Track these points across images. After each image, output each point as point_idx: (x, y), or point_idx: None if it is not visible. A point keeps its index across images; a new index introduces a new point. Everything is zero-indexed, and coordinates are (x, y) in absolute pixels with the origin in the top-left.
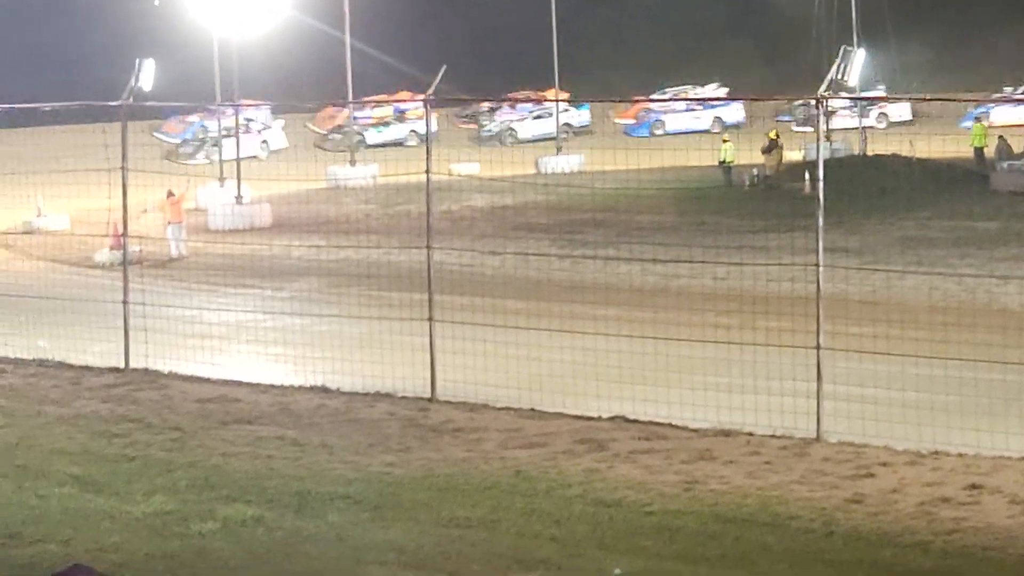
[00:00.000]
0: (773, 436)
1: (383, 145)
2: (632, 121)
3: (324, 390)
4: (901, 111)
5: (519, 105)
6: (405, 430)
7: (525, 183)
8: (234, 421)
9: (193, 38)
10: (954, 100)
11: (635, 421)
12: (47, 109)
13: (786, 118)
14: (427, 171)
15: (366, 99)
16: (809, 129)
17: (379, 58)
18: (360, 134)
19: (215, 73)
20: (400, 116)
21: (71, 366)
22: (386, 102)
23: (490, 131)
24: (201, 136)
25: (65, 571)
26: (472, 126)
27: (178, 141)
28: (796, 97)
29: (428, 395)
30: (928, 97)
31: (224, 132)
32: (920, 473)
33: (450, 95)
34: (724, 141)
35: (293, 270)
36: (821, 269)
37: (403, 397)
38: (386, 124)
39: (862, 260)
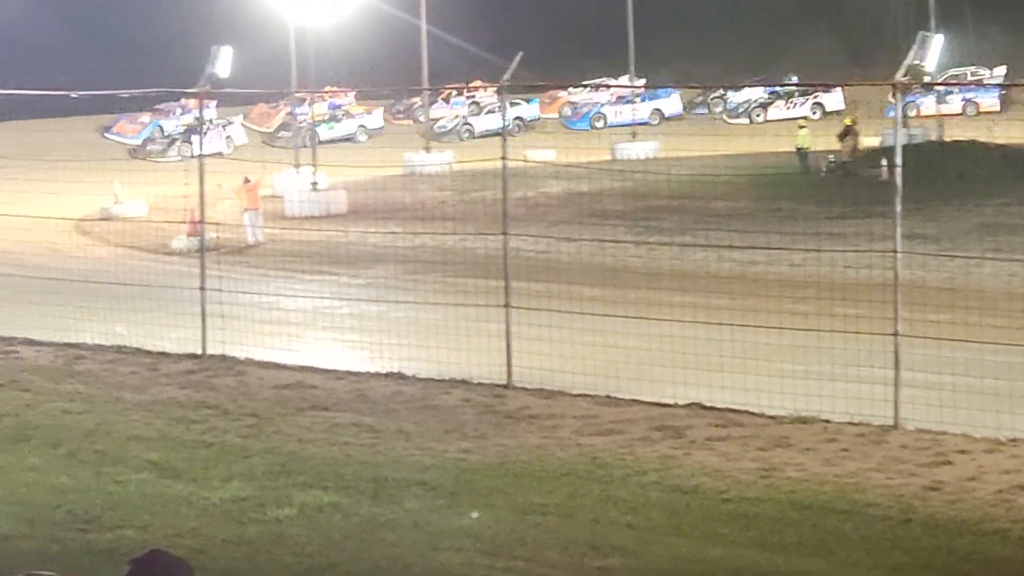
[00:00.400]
0: (850, 423)
1: (332, 141)
2: (570, 113)
3: (400, 377)
4: (991, 101)
5: (609, 91)
6: (481, 417)
7: (601, 169)
8: (310, 407)
9: (270, 24)
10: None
11: (711, 408)
12: (124, 96)
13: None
14: (503, 158)
15: (446, 86)
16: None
17: (454, 44)
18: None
19: (291, 60)
20: (343, 112)
21: (149, 352)
22: (461, 89)
23: (443, 127)
24: (162, 135)
25: (142, 556)
26: (407, 122)
27: (138, 142)
28: (874, 83)
29: (504, 382)
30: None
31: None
32: (998, 460)
33: (527, 81)
34: (800, 127)
35: (369, 257)
36: (899, 256)
37: (479, 384)
38: (337, 120)
39: (940, 247)
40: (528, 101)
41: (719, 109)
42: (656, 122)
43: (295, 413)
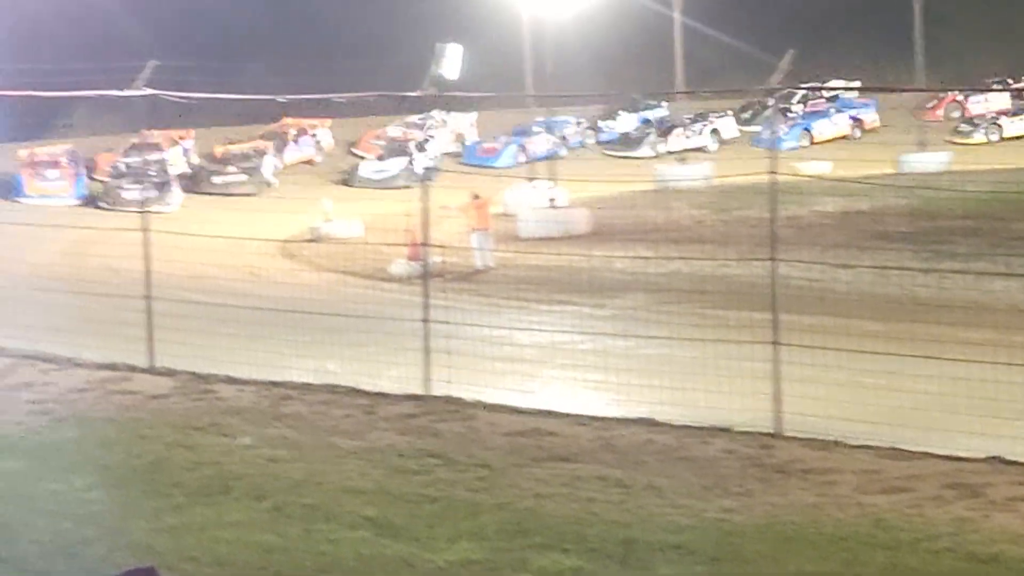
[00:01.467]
0: None
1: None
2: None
3: (652, 423)
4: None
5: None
6: (745, 470)
7: (883, 184)
8: (549, 458)
9: (499, 19)
10: None
11: (1014, 463)
12: (342, 100)
13: None
14: (771, 171)
15: (716, 90)
16: None
17: (713, 38)
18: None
19: (525, 57)
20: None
21: (365, 392)
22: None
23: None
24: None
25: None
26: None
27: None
28: None
29: (772, 430)
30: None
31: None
32: None
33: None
34: None
35: (615, 284)
36: None
37: (743, 432)
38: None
39: None
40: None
41: None
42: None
43: (531, 464)
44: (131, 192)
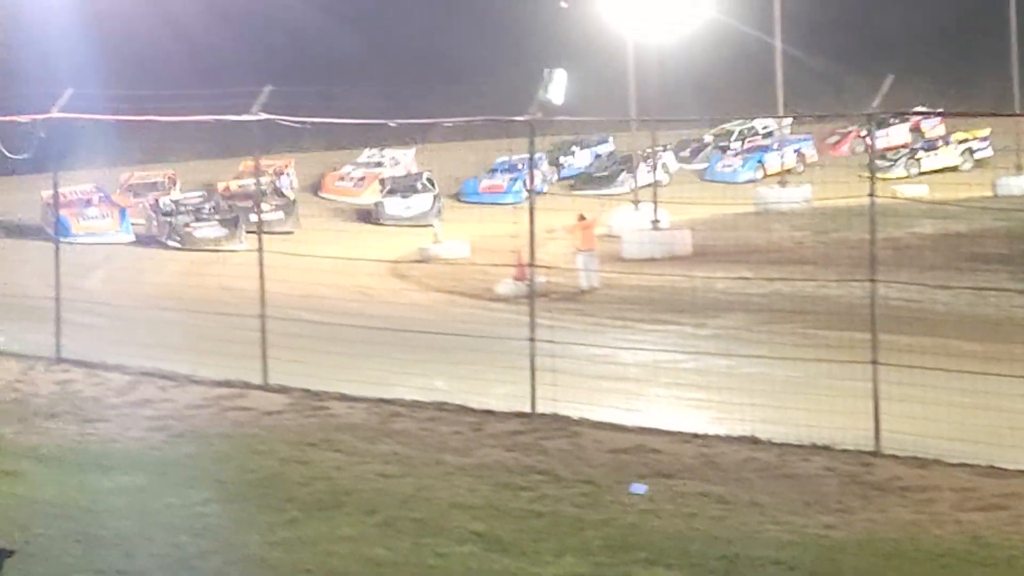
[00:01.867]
0: None
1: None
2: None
3: (753, 441)
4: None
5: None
6: (845, 488)
7: (980, 207)
8: (652, 474)
9: (605, 44)
10: None
11: None
12: (448, 125)
13: None
14: (871, 194)
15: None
16: None
17: (812, 62)
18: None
19: (630, 82)
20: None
21: (472, 410)
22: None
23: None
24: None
25: None
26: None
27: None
28: None
29: (871, 448)
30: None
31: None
32: None
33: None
34: None
35: (716, 304)
36: None
37: (843, 450)
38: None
39: None
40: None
41: None
42: None
43: (635, 480)
44: (202, 230)
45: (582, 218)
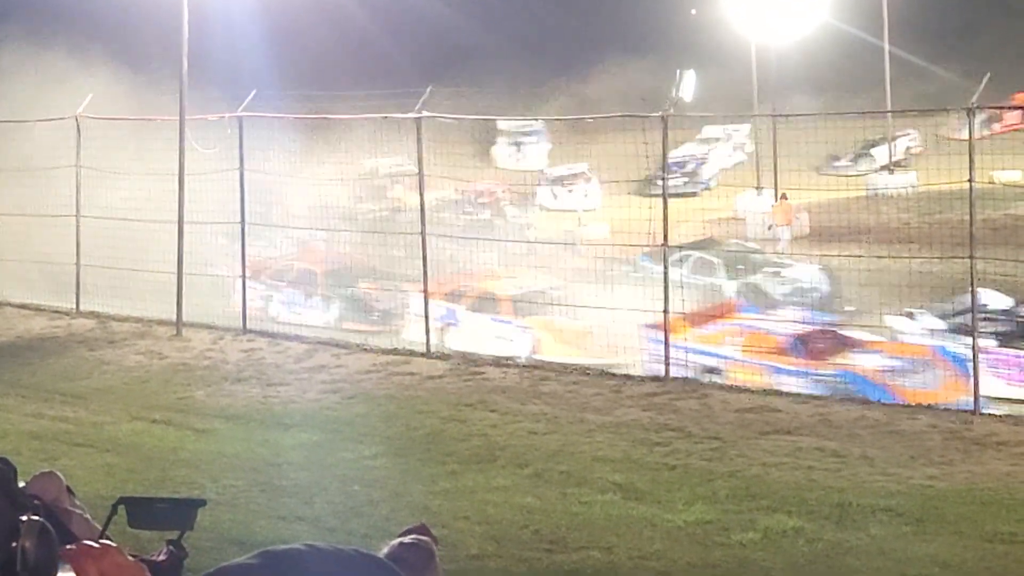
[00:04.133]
0: None
1: None
2: None
3: (864, 402)
4: None
5: None
6: (947, 443)
7: None
8: (773, 431)
9: (731, 46)
10: None
11: None
12: (590, 121)
13: None
14: (970, 180)
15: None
16: None
17: (921, 65)
18: None
19: (753, 81)
20: None
21: (612, 375)
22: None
23: None
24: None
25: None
26: None
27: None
28: None
29: (971, 407)
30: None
31: None
32: None
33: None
34: None
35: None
36: None
37: (945, 409)
38: None
39: None
40: None
41: None
42: None
43: (758, 437)
44: None
45: (784, 197)
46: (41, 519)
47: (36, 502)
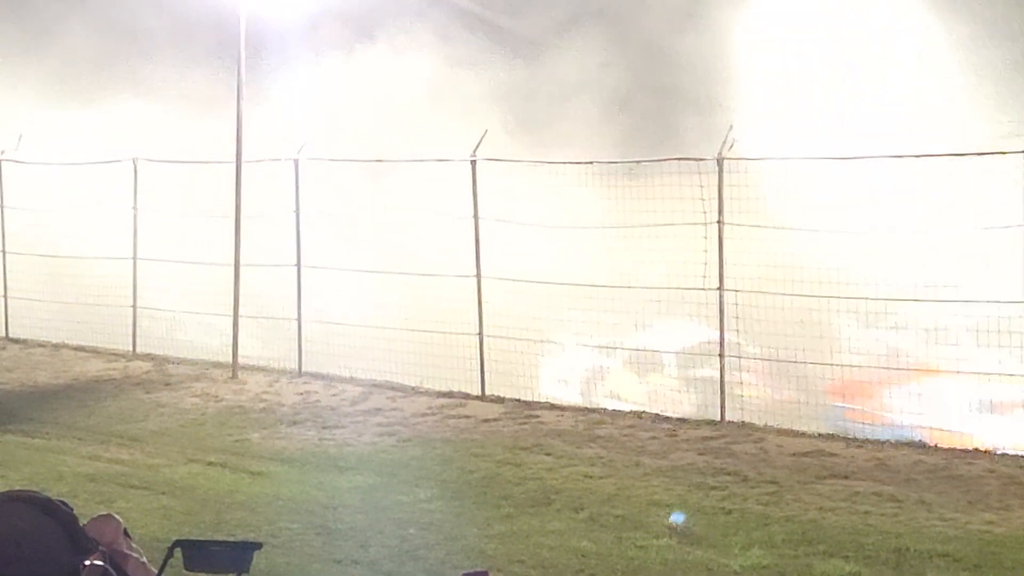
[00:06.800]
0: None
1: None
2: None
3: (921, 446)
4: None
5: None
6: (1005, 488)
7: None
8: (830, 476)
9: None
10: None
11: None
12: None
13: None
14: None
15: None
16: None
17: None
18: None
19: None
20: None
21: (668, 418)
22: None
23: None
24: None
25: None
26: None
27: None
28: None
29: None
30: None
31: None
32: None
33: None
34: None
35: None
36: None
37: (1002, 455)
38: None
39: None
40: None
41: None
42: None
43: (814, 481)
44: None
45: None
46: (104, 564)
47: (97, 545)
